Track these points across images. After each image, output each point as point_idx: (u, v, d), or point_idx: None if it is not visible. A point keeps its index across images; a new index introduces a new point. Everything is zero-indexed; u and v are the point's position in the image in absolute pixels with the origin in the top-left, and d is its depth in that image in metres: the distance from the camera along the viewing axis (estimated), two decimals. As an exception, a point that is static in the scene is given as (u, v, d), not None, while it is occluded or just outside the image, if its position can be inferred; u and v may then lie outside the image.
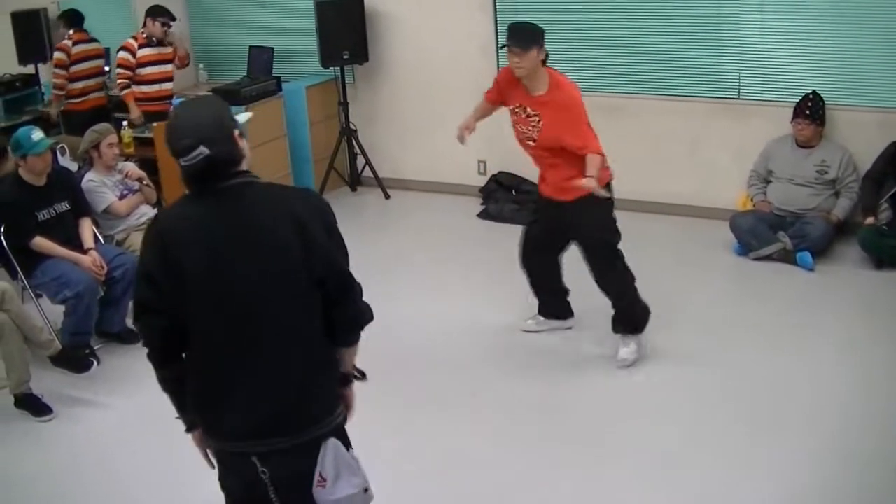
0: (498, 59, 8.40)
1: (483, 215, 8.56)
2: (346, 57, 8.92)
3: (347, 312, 3.10)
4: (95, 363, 5.95)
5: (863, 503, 4.45)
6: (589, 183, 5.25)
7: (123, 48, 8.78)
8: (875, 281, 6.83)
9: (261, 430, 3.01)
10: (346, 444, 3.16)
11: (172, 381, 3.18)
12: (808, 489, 4.57)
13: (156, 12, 8.72)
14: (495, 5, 8.52)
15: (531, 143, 5.58)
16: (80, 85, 9.35)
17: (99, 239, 6.53)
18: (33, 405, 5.64)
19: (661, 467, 4.83)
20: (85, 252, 6.16)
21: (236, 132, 2.99)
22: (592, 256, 5.78)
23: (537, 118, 5.50)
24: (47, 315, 6.24)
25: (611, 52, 8.20)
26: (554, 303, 6.25)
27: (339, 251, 3.06)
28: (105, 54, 9.61)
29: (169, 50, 8.91)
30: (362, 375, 3.40)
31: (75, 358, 5.91)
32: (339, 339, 3.16)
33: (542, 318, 6.29)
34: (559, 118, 5.45)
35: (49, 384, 5.78)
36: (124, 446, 5.32)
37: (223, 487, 3.25)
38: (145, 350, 3.17)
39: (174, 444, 5.19)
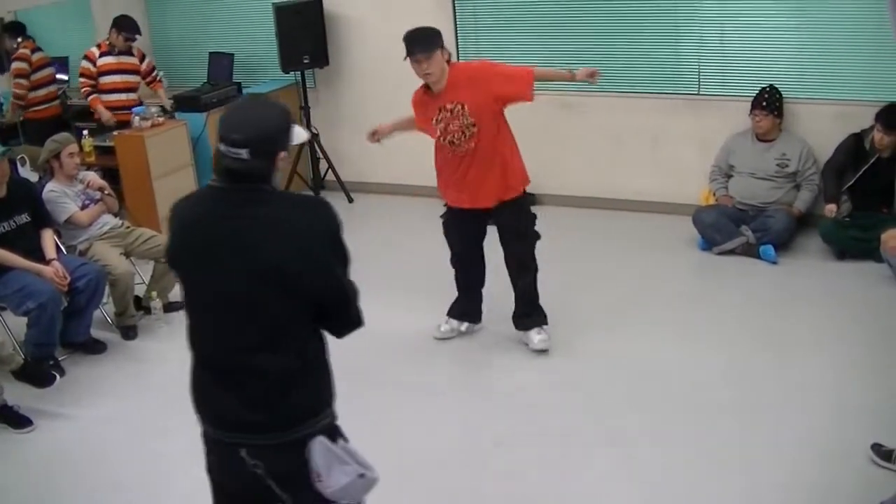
0: (458, 56, 8.43)
1: (447, 217, 8.55)
2: (306, 61, 8.91)
3: (339, 323, 3.14)
4: (58, 377, 5.90)
5: (833, 495, 4.48)
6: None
7: (85, 57, 8.75)
8: (838, 272, 6.88)
9: (243, 424, 3.03)
10: (335, 436, 3.15)
11: None
12: (780, 483, 4.59)
13: (121, 26, 8.67)
14: (454, 5, 8.54)
15: (472, 130, 5.54)
16: (42, 92, 9.38)
17: (61, 249, 6.47)
18: (12, 417, 5.59)
19: (629, 461, 4.86)
20: (47, 263, 6.11)
21: (282, 154, 3.01)
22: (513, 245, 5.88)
23: (460, 105, 5.53)
24: (10, 327, 6.19)
25: (570, 49, 8.20)
26: (474, 303, 6.28)
27: (339, 262, 3.06)
28: (53, 63, 9.60)
29: (132, 60, 8.85)
30: None
31: (38, 372, 5.86)
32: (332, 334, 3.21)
33: (454, 321, 6.32)
34: (478, 87, 5.54)
35: (14, 396, 5.71)
36: (93, 456, 5.29)
37: (212, 480, 3.27)
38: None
39: (142, 451, 5.21)
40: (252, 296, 2.96)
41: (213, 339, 3.07)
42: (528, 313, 5.99)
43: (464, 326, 6.30)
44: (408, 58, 5.44)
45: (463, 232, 6.02)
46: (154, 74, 9.02)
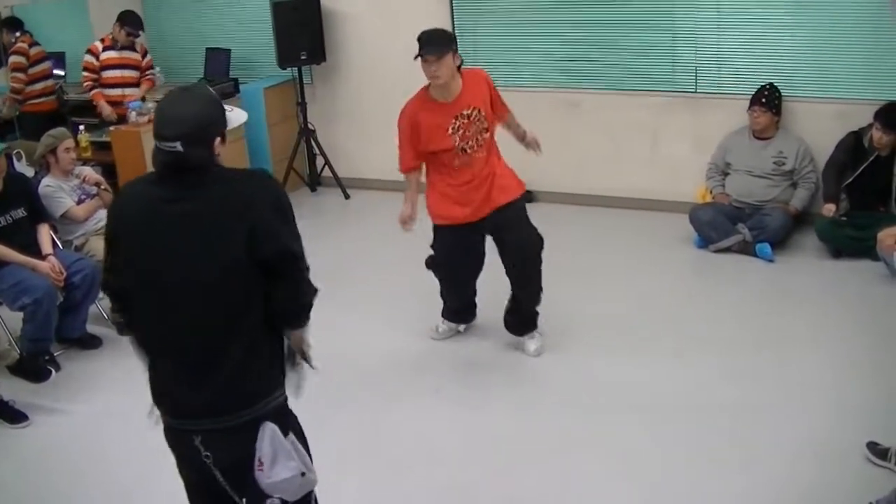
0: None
1: (443, 213, 8.53)
2: (303, 57, 8.90)
3: (290, 289, 3.09)
4: (54, 372, 5.91)
5: (831, 493, 4.47)
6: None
7: (88, 51, 8.72)
8: (834, 270, 6.88)
9: (198, 410, 3.05)
10: (286, 427, 3.15)
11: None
12: (778, 482, 4.58)
13: (124, 21, 8.64)
14: (451, 1, 8.53)
15: (484, 136, 5.55)
16: (39, 86, 9.38)
17: (57, 244, 6.46)
18: (7, 413, 5.57)
19: (628, 462, 4.84)
20: (43, 258, 6.10)
21: (217, 140, 3.02)
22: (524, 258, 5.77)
23: (477, 110, 5.51)
24: (6, 323, 6.17)
25: (568, 47, 8.21)
26: (468, 307, 6.27)
27: (287, 230, 3.05)
28: (51, 57, 9.60)
29: (134, 55, 8.82)
30: (310, 364, 3.36)
31: (33, 367, 5.86)
32: (286, 320, 3.17)
33: (450, 322, 6.30)
34: (485, 93, 5.59)
35: (10, 392, 5.70)
36: (88, 451, 5.27)
37: (180, 473, 3.30)
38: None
39: (138, 446, 5.19)
40: (212, 275, 2.96)
41: (173, 323, 3.04)
42: (525, 320, 5.96)
43: (461, 327, 6.29)
44: (418, 57, 5.39)
45: (461, 267, 6.00)
46: (147, 73, 8.96)
